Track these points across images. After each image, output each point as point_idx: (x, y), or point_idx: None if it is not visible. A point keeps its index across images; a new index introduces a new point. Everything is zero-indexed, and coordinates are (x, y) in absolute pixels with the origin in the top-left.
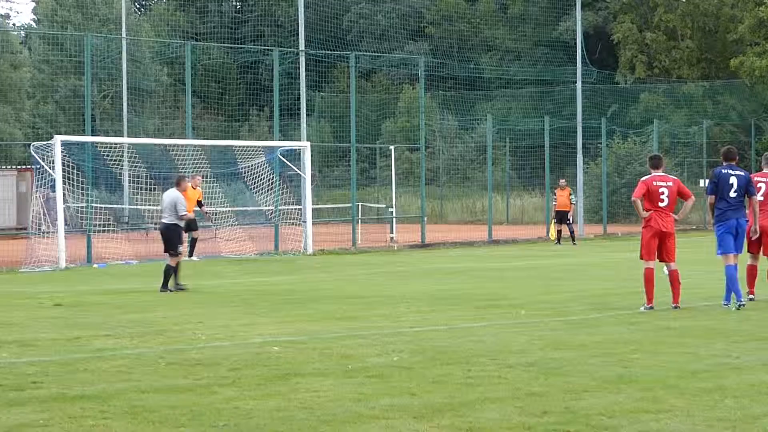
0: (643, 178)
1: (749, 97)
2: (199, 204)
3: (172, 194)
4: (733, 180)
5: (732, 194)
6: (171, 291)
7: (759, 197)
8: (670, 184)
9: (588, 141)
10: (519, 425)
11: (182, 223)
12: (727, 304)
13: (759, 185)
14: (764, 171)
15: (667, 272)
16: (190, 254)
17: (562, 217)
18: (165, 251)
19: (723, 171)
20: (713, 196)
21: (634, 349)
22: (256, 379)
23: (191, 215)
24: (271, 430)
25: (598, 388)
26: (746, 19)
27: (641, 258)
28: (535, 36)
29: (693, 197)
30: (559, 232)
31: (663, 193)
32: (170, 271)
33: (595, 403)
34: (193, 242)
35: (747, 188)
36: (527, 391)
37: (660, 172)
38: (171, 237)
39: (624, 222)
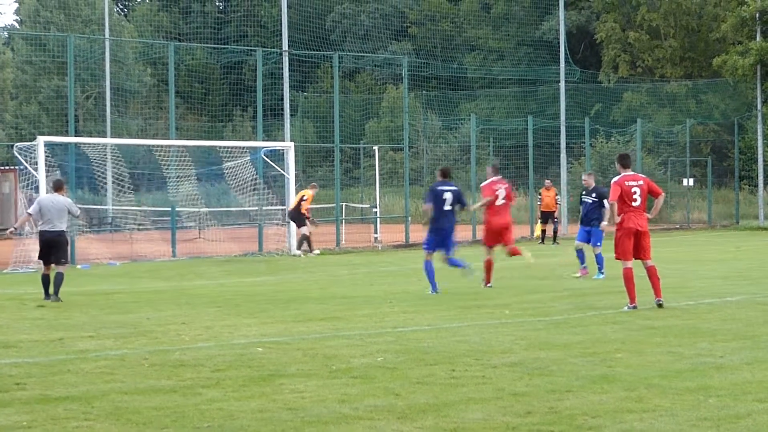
0: (615, 180)
1: (732, 95)
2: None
3: (59, 200)
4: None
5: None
6: (58, 299)
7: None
8: (641, 182)
9: (571, 140)
10: (503, 425)
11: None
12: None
13: (633, 189)
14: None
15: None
16: (299, 248)
17: (547, 218)
18: (54, 262)
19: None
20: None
21: (618, 349)
22: (239, 380)
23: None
24: (255, 431)
25: (581, 387)
26: (729, 18)
27: (618, 259)
28: (519, 36)
29: (663, 194)
30: (544, 231)
31: (635, 193)
32: (63, 280)
33: (578, 402)
34: (304, 238)
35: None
36: (511, 391)
37: (630, 172)
38: (62, 246)
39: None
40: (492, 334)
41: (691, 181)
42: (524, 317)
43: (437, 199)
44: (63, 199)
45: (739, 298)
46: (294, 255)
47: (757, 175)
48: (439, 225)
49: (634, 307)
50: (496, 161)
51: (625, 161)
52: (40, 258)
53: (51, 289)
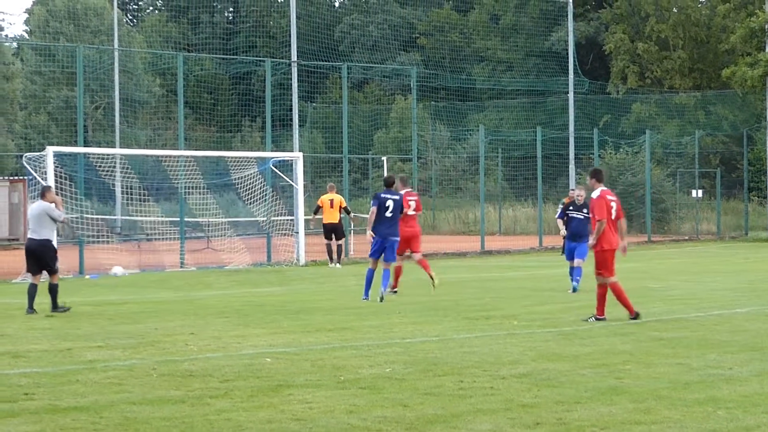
0: (597, 195)
1: (741, 107)
2: (347, 211)
3: (38, 206)
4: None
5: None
6: (66, 309)
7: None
8: (615, 198)
9: (580, 151)
10: None
11: (54, 234)
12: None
13: (612, 204)
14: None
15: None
16: (338, 260)
17: None
18: (39, 271)
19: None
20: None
21: (627, 360)
22: (248, 390)
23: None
24: None
25: (590, 399)
26: (738, 30)
27: (603, 275)
28: (527, 47)
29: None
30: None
31: (613, 208)
32: (56, 289)
33: (587, 414)
34: (339, 249)
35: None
36: (519, 402)
37: (604, 186)
38: (45, 254)
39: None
40: (500, 345)
41: (700, 193)
42: (533, 328)
43: (381, 207)
44: (41, 205)
45: (748, 309)
46: (335, 267)
47: (766, 186)
48: (382, 232)
49: (637, 317)
50: (404, 175)
51: (600, 176)
52: (27, 269)
53: (36, 301)
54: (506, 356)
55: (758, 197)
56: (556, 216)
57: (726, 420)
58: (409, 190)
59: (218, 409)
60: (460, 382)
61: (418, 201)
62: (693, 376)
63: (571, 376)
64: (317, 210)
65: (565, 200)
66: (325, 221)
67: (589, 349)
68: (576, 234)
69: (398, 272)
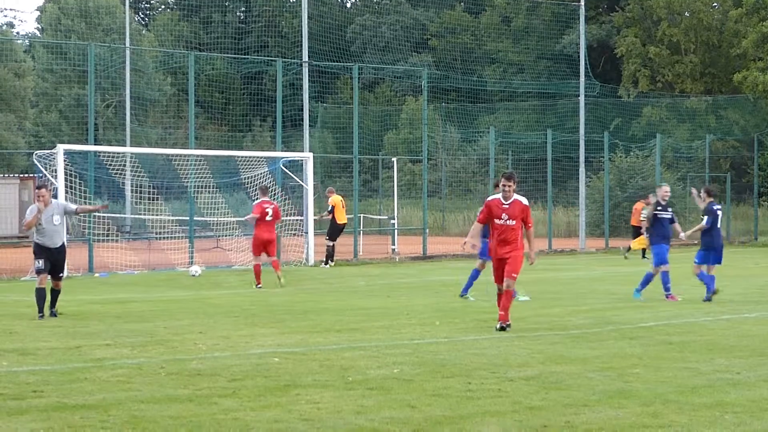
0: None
1: (752, 111)
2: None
3: (58, 205)
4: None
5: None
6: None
7: None
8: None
9: (590, 154)
10: None
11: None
12: None
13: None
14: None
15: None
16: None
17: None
18: (59, 274)
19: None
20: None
21: (635, 364)
22: (256, 390)
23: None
24: None
25: (598, 402)
26: (750, 34)
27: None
28: (539, 49)
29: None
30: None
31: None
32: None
33: (595, 417)
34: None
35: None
36: (527, 404)
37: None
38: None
39: (626, 236)
40: (508, 347)
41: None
42: (541, 331)
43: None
44: (60, 203)
45: (757, 314)
46: (325, 267)
47: None
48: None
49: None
50: (265, 184)
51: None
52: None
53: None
54: (514, 358)
55: None
56: (646, 216)
57: (733, 424)
58: (268, 198)
59: (226, 408)
60: (468, 383)
61: (276, 209)
62: (701, 381)
63: (579, 379)
64: (332, 210)
65: (642, 203)
66: (340, 221)
67: (597, 352)
68: (668, 236)
69: (258, 270)
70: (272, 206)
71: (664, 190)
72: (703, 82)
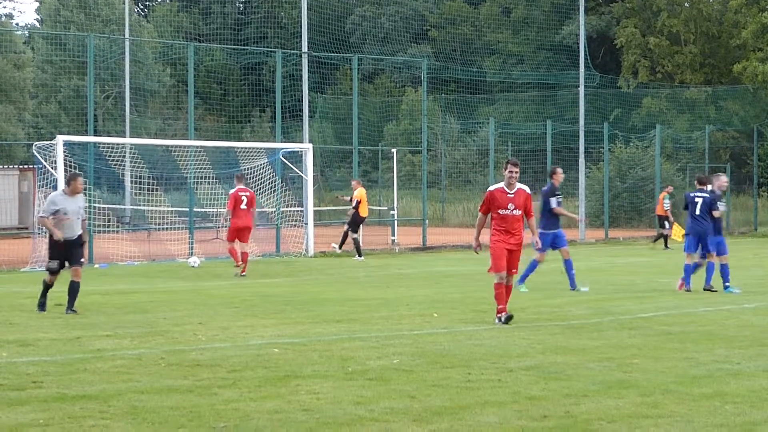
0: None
1: (752, 102)
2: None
3: (82, 199)
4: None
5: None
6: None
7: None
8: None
9: (590, 145)
10: (518, 429)
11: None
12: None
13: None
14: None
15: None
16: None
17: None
18: (80, 260)
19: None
20: None
21: (635, 354)
22: (255, 380)
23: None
24: None
25: (598, 392)
26: (750, 25)
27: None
28: (538, 40)
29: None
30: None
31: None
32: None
33: (594, 407)
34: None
35: None
36: (527, 395)
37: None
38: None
39: (625, 226)
40: (508, 337)
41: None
42: (541, 321)
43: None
44: (82, 198)
45: (757, 305)
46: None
47: None
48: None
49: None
50: (241, 172)
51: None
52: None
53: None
54: (514, 349)
55: None
56: (722, 209)
57: (733, 415)
58: (244, 186)
59: (226, 398)
60: (467, 374)
61: (251, 197)
62: (701, 371)
63: (579, 370)
64: (358, 204)
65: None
66: (363, 214)
67: (597, 342)
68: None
69: (234, 252)
70: (248, 194)
71: (723, 180)
72: (703, 73)
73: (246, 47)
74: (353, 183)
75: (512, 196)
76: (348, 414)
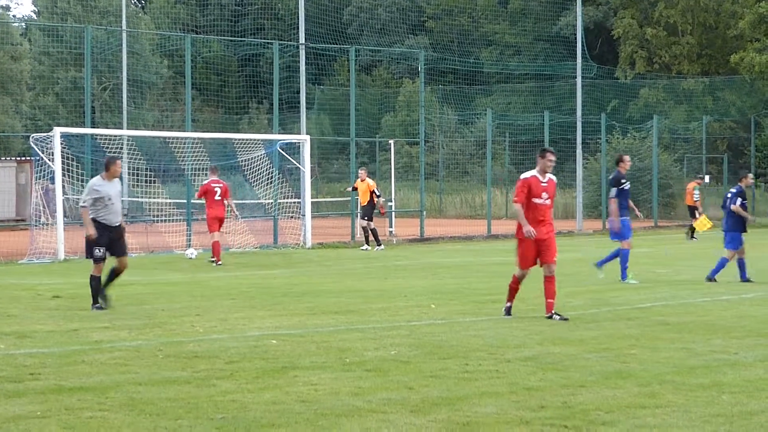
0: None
1: (749, 92)
2: (377, 196)
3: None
4: None
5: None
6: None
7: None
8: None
9: (588, 136)
10: (516, 419)
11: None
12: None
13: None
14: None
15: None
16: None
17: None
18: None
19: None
20: None
21: (632, 345)
22: (253, 371)
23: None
24: (268, 423)
25: (595, 383)
26: (747, 15)
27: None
28: (536, 31)
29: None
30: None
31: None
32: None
33: (592, 398)
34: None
35: None
36: (524, 385)
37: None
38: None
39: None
40: (506, 328)
41: (707, 178)
42: (539, 312)
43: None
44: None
45: (754, 295)
46: (366, 249)
47: None
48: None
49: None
50: (214, 166)
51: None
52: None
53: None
54: (511, 340)
55: (765, 183)
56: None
57: (730, 404)
58: (217, 178)
59: (223, 390)
60: (465, 365)
61: (225, 188)
62: (698, 361)
63: (576, 360)
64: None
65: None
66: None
67: (594, 333)
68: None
69: (213, 246)
70: (221, 185)
71: (750, 178)
72: (700, 64)
73: (243, 39)
74: (361, 173)
75: (546, 185)
76: (346, 405)
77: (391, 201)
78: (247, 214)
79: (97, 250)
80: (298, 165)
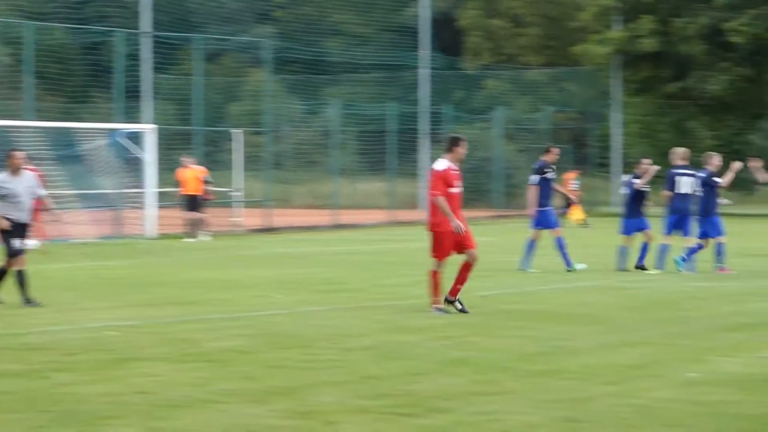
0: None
1: (592, 84)
2: (207, 182)
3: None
4: None
5: None
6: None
7: None
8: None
9: (434, 127)
10: (355, 408)
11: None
12: None
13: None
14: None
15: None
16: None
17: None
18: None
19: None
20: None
21: (473, 333)
22: (92, 363)
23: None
24: (104, 415)
25: (435, 371)
26: (589, 7)
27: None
28: (382, 21)
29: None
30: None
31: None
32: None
33: (432, 386)
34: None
35: None
36: (365, 374)
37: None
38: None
39: (468, 207)
40: (348, 318)
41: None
42: (382, 301)
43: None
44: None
45: (592, 283)
46: (196, 240)
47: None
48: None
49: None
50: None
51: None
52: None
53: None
54: (353, 329)
55: (605, 173)
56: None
57: (566, 390)
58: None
59: (60, 382)
60: (306, 354)
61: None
62: (537, 348)
63: (417, 349)
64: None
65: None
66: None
67: (435, 321)
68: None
69: None
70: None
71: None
72: (545, 55)
73: (86, 26)
74: (185, 160)
75: (456, 173)
76: (184, 396)
77: (239, 191)
78: (90, 205)
79: (14, 242)
80: (140, 154)
